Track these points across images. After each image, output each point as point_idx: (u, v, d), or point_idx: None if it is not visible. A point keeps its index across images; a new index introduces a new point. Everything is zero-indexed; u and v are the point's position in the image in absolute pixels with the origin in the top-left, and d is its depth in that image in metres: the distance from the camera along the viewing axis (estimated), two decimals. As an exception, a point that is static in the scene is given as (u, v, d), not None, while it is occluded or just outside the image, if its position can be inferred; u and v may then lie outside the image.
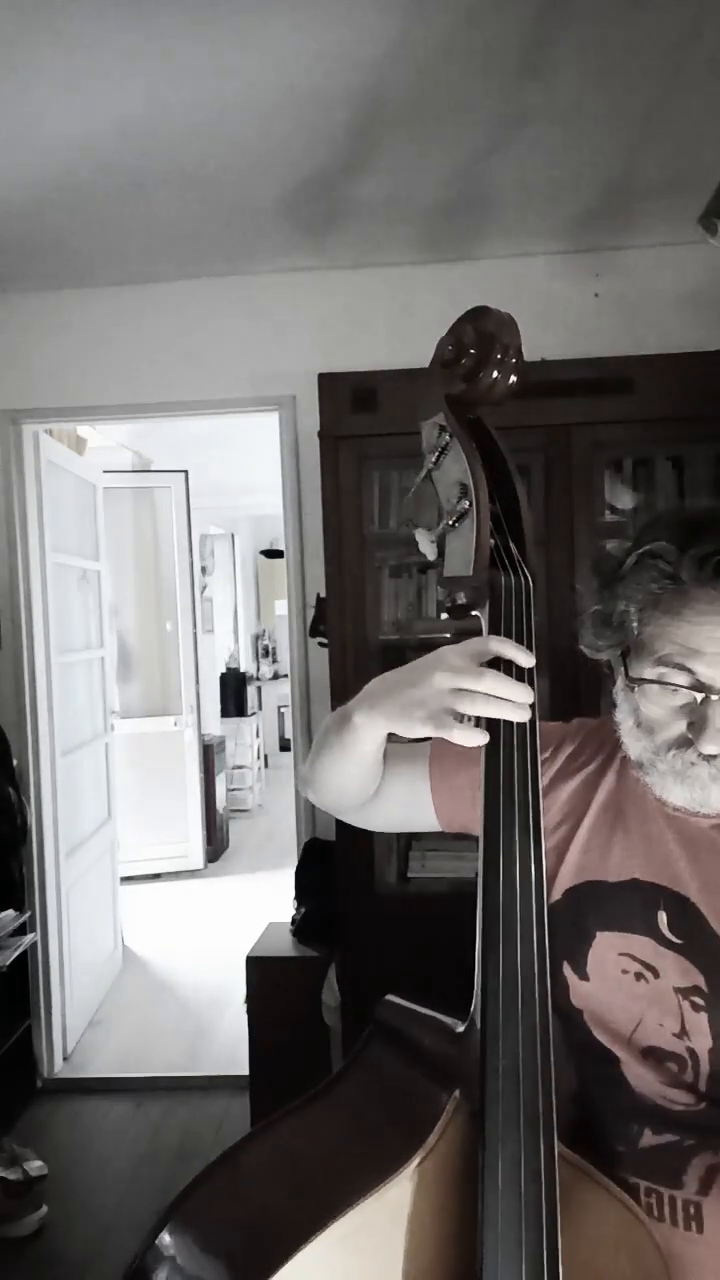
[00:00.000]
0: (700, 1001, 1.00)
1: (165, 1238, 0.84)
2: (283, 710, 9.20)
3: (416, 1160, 0.82)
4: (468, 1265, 0.81)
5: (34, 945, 3.38)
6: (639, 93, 2.31)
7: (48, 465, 3.67)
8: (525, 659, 0.88)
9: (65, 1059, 3.69)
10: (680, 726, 0.98)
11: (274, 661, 9.99)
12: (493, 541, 0.93)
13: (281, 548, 3.61)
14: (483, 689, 0.86)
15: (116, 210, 2.86)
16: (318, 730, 1.12)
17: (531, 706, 0.88)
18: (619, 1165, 1.01)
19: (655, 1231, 0.96)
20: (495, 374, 0.95)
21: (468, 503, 0.93)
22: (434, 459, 0.99)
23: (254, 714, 8.60)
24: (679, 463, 3.01)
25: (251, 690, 8.75)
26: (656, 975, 1.02)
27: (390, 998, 1.01)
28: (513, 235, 3.13)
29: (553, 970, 1.04)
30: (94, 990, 4.11)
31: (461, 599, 0.94)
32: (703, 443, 2.96)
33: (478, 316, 0.98)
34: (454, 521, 0.94)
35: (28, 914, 3.31)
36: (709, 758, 0.96)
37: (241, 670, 8.76)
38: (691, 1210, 0.99)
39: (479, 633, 0.95)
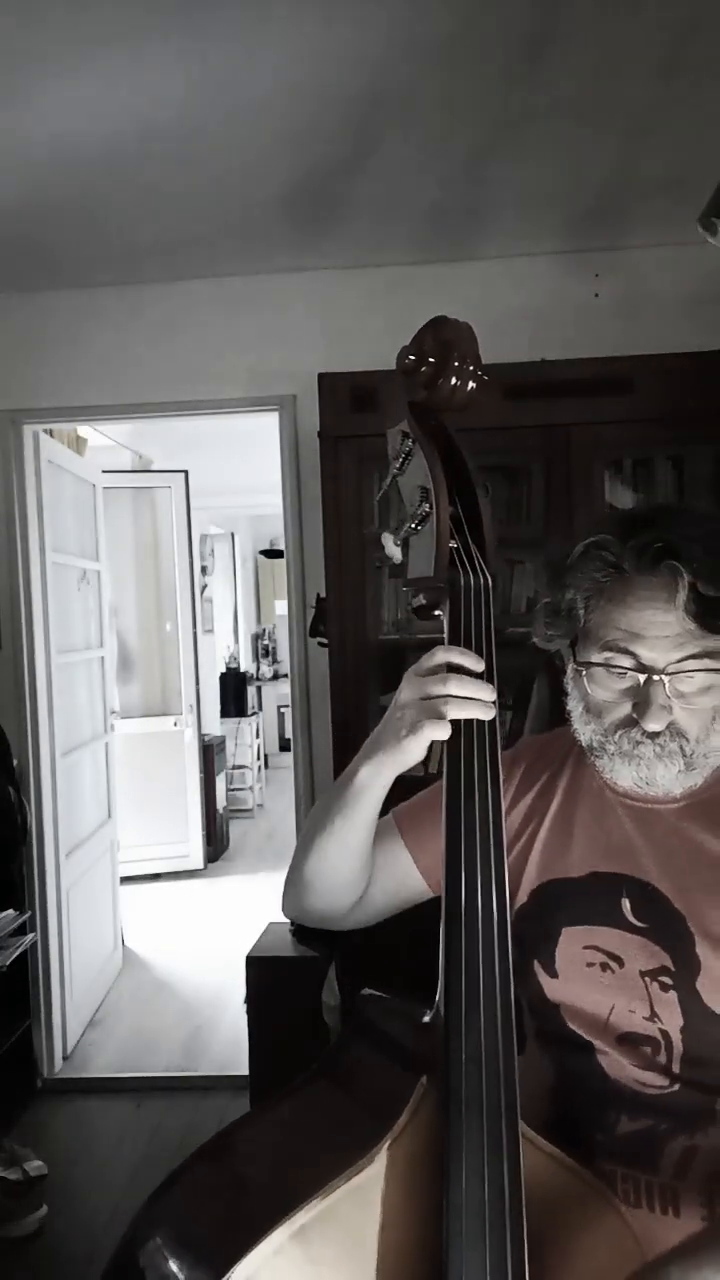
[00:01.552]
0: (668, 981, 1.03)
1: (145, 1229, 0.86)
2: (283, 710, 9.20)
3: (386, 1144, 0.84)
4: (439, 1247, 0.83)
5: (34, 945, 3.38)
6: (638, 92, 2.31)
7: (48, 465, 3.67)
8: (474, 664, 0.93)
9: (65, 1059, 3.69)
10: (626, 708, 1.03)
11: (274, 661, 10.00)
12: (453, 543, 0.97)
13: (281, 548, 3.61)
14: (448, 692, 0.92)
15: (116, 210, 2.86)
16: (308, 821, 1.14)
17: (493, 704, 0.93)
18: (597, 1154, 1.03)
19: (632, 1218, 0.97)
20: (454, 380, 1.00)
21: (428, 506, 0.97)
22: (398, 464, 1.03)
23: (254, 714, 8.60)
24: (679, 463, 3.01)
25: (251, 690, 8.75)
26: (621, 964, 1.05)
27: (367, 991, 1.03)
28: (513, 235, 3.13)
29: (525, 970, 1.08)
30: (94, 990, 4.11)
31: (423, 599, 0.98)
32: (703, 443, 2.96)
33: (437, 326, 1.02)
34: (417, 524, 0.98)
35: (28, 914, 3.31)
36: (652, 736, 1.02)
37: (241, 670, 8.76)
38: (668, 1194, 1.02)
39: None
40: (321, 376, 2.92)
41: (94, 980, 4.12)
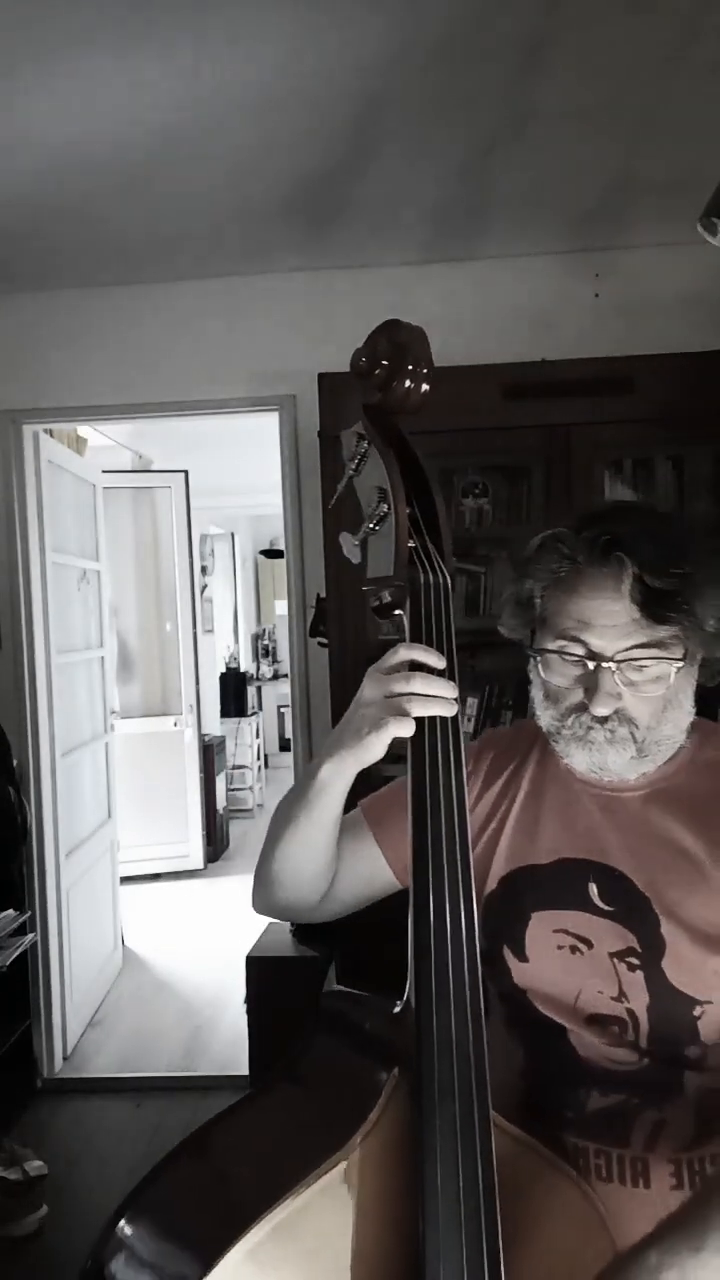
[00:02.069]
0: (635, 961, 1.06)
1: (120, 1231, 0.86)
2: (283, 710, 9.20)
3: (359, 1138, 0.84)
4: (414, 1239, 0.84)
5: (34, 945, 3.38)
6: (639, 93, 2.31)
7: (48, 465, 3.67)
8: (436, 660, 0.95)
9: (65, 1059, 3.69)
10: (579, 694, 1.07)
11: (274, 661, 10.00)
12: (412, 543, 0.99)
13: (281, 548, 3.61)
14: (411, 690, 0.93)
15: (117, 210, 2.86)
16: (273, 818, 1.15)
17: (455, 700, 0.95)
18: (569, 1130, 1.06)
19: (605, 1193, 1.00)
20: (408, 383, 1.01)
21: (386, 506, 0.99)
22: (354, 466, 1.05)
23: (254, 714, 8.60)
24: (679, 463, 3.01)
25: (251, 690, 8.75)
26: (590, 946, 1.08)
27: (335, 988, 1.05)
28: (513, 235, 3.13)
29: (494, 956, 1.12)
30: (94, 990, 4.12)
31: (386, 598, 1.00)
32: (703, 443, 2.96)
33: (390, 329, 1.04)
34: (375, 525, 1.01)
35: (28, 914, 3.31)
36: (602, 721, 1.06)
37: (241, 670, 8.76)
38: (639, 1167, 1.06)
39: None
40: (321, 376, 2.92)
41: (94, 980, 4.12)
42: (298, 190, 2.76)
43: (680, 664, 1.04)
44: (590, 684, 1.05)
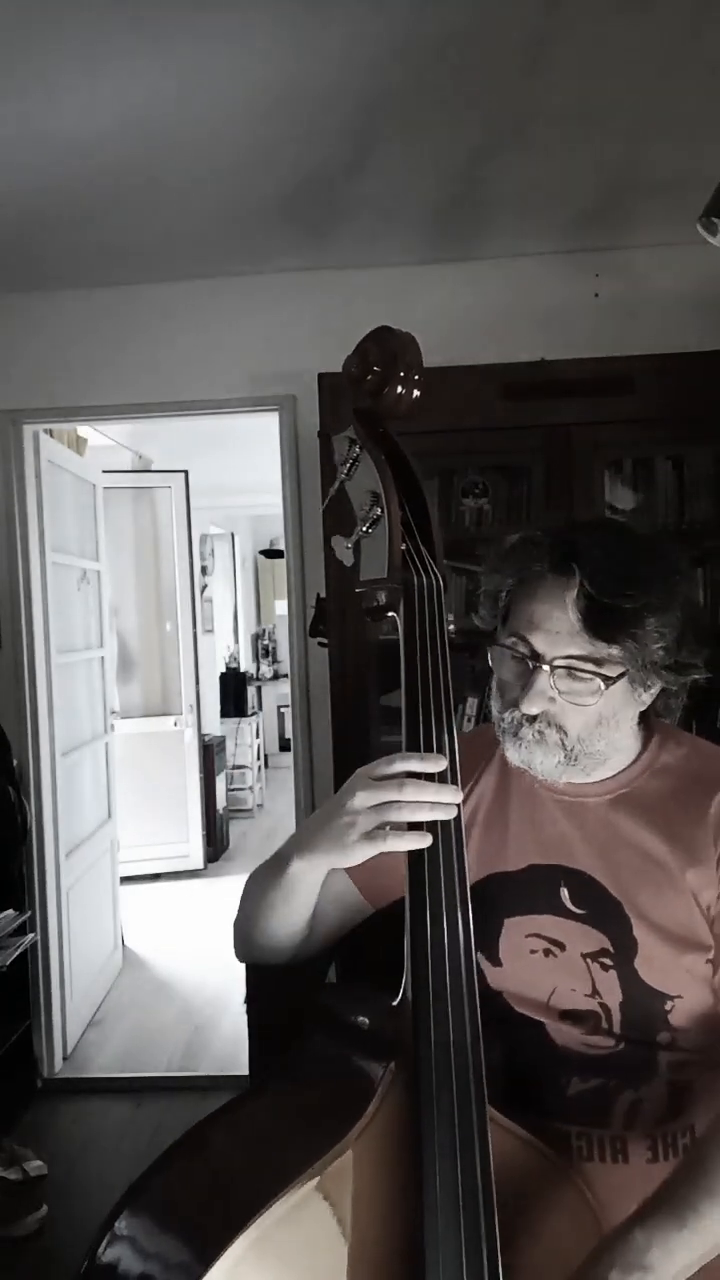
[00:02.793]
0: (609, 962, 1.10)
1: (121, 1225, 0.87)
2: (283, 710, 9.19)
3: (356, 1132, 0.85)
4: (412, 1229, 0.85)
5: (34, 945, 3.38)
6: (639, 93, 2.31)
7: (48, 465, 3.67)
8: (432, 765, 0.95)
9: (65, 1059, 3.69)
10: (518, 690, 1.11)
11: (274, 661, 9.99)
12: (404, 545, 1.02)
13: (281, 548, 3.61)
14: (404, 799, 0.94)
15: (117, 211, 2.86)
16: (246, 889, 1.19)
17: (456, 805, 0.95)
18: (552, 1115, 1.09)
19: (585, 1171, 1.05)
20: (400, 390, 1.03)
21: (380, 509, 1.01)
22: (346, 470, 1.07)
23: (254, 714, 8.60)
24: (679, 463, 3.01)
25: (251, 690, 8.75)
26: (563, 948, 1.12)
27: (330, 984, 1.09)
28: (513, 235, 3.13)
29: None
30: (94, 990, 4.11)
31: (381, 599, 1.02)
32: (703, 443, 2.96)
33: (382, 337, 1.06)
34: (368, 528, 1.03)
35: (28, 914, 3.31)
36: (530, 720, 1.10)
37: (241, 670, 8.76)
38: (618, 1145, 1.10)
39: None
40: (321, 376, 2.91)
41: (94, 980, 4.12)
42: (298, 190, 2.76)
43: (611, 682, 1.07)
44: (526, 682, 1.09)
